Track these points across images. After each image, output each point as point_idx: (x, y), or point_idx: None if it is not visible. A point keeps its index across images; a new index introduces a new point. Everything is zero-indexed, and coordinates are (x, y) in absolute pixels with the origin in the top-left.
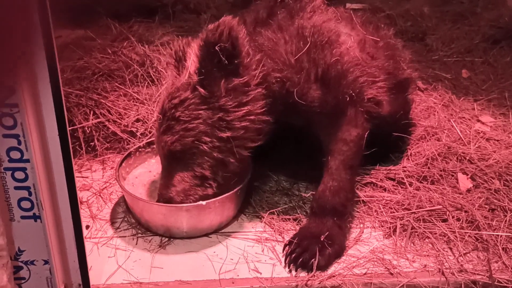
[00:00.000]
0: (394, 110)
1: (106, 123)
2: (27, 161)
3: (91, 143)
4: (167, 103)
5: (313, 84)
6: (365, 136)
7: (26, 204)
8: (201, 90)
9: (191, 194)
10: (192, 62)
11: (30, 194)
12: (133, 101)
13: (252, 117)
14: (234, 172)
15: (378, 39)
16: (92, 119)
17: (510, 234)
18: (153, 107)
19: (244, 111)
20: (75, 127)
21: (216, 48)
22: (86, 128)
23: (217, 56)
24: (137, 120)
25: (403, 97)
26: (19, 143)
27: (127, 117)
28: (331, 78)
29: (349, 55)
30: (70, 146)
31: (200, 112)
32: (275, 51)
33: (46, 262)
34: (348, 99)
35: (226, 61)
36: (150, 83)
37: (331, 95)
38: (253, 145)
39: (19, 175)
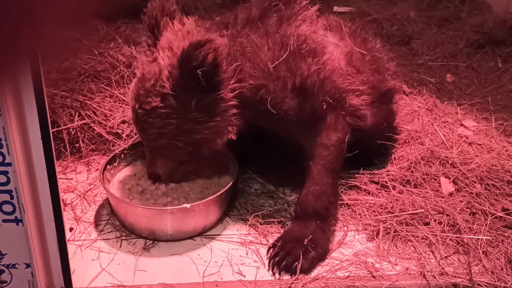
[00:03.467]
0: (377, 122)
1: (92, 124)
2: (9, 164)
3: (76, 145)
4: (137, 106)
5: (289, 93)
6: (346, 139)
7: (8, 208)
8: (173, 101)
9: (177, 171)
10: (165, 58)
11: (12, 197)
12: (119, 103)
13: (222, 125)
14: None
15: (365, 53)
16: (77, 121)
17: (490, 238)
18: None
19: (214, 122)
20: (60, 128)
21: (198, 72)
22: (71, 130)
23: (195, 78)
24: (123, 122)
25: (386, 109)
26: (1, 146)
27: (113, 119)
28: (309, 87)
29: (333, 65)
30: (53, 149)
31: (171, 120)
32: (256, 56)
33: (28, 265)
34: (325, 106)
35: (205, 83)
36: None
37: (308, 104)
38: (223, 140)
39: (1, 178)
